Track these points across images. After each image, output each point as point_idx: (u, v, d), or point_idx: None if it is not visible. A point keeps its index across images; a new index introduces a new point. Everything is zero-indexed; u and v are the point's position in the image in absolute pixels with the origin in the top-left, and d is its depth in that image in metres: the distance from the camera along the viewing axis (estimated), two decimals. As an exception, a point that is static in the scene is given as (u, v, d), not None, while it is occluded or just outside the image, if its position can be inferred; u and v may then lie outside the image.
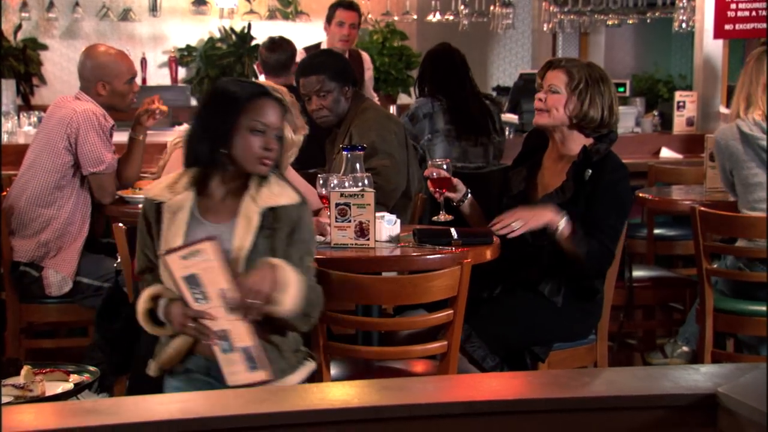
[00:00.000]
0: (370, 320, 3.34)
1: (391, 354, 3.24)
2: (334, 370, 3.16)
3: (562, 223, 3.32)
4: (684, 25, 6.78)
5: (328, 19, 6.05)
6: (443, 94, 5.28)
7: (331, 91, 4.13)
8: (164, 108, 4.41)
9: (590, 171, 3.41)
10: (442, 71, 5.33)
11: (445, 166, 3.53)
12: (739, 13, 6.18)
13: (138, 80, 4.46)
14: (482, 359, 3.26)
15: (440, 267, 3.16)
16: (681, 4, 6.76)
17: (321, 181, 3.58)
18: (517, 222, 3.30)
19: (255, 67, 8.40)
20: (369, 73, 6.38)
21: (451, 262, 3.17)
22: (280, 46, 5.39)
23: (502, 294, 3.43)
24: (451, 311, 3.05)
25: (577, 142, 3.47)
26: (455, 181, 3.54)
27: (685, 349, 4.25)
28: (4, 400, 2.94)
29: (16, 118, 5.81)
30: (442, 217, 3.56)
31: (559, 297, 3.41)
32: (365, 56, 6.40)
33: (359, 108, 4.18)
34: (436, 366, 3.24)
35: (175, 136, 3.84)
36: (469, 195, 3.59)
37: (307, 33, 8.48)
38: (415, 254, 3.23)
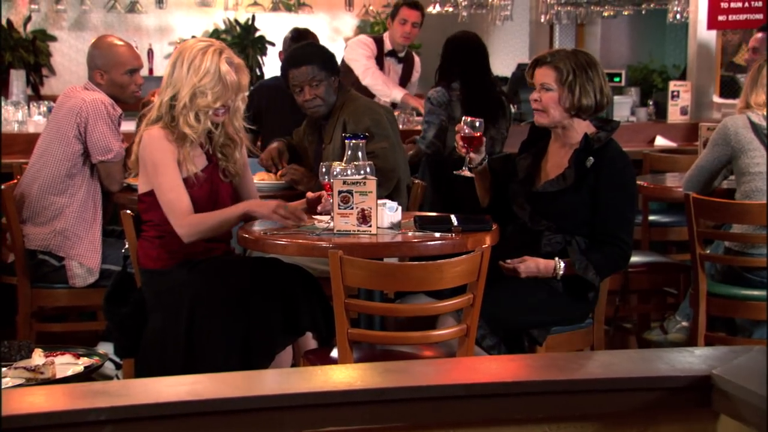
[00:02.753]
0: (397, 307, 3.35)
1: (411, 339, 3.23)
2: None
3: (560, 267, 3.39)
4: (678, 16, 6.76)
5: (392, 15, 6.15)
6: (462, 82, 5.23)
7: (322, 80, 4.11)
8: None
9: (592, 159, 3.41)
10: (461, 58, 5.30)
11: (477, 124, 3.52)
12: (732, 4, 6.17)
13: (145, 71, 4.44)
14: (481, 338, 3.26)
15: (440, 253, 3.16)
16: (675, -4, 6.74)
17: (324, 169, 3.57)
18: (522, 273, 3.39)
19: (260, 59, 8.40)
20: (417, 75, 6.45)
21: (452, 247, 3.17)
22: (304, 37, 5.38)
23: (503, 277, 3.43)
24: (471, 295, 3.05)
25: (578, 131, 3.47)
26: (483, 140, 3.55)
27: (684, 324, 4.25)
28: (17, 382, 2.95)
29: (26, 107, 5.80)
30: (465, 172, 3.57)
31: (558, 281, 3.42)
32: (417, 59, 6.46)
33: (346, 97, 4.17)
34: (440, 350, 3.24)
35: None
36: (486, 161, 3.60)
37: (310, 24, 8.46)
38: (416, 240, 3.23)
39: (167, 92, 3.46)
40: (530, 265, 3.39)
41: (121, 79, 4.26)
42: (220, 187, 3.55)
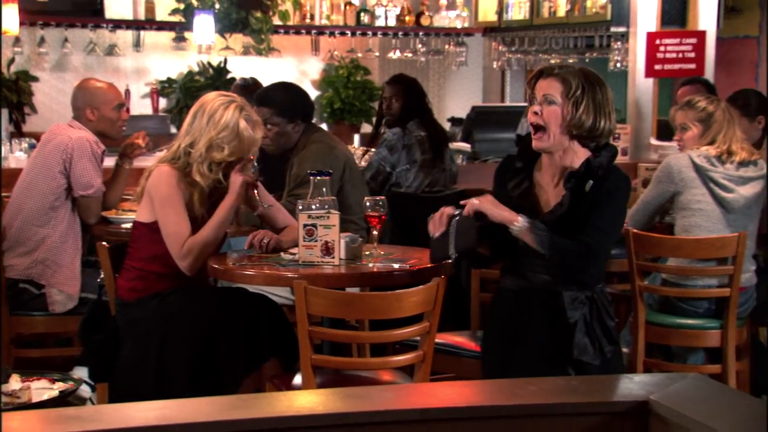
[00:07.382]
0: (359, 334, 3.33)
1: (372, 364, 3.20)
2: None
3: (523, 221, 2.92)
4: (618, 64, 6.85)
5: None
6: (420, 122, 5.24)
7: (276, 125, 4.12)
8: (149, 144, 4.43)
9: (591, 182, 2.95)
10: (417, 100, 5.33)
11: (381, 203, 3.43)
12: (668, 55, 6.28)
13: (123, 109, 4.42)
14: None
15: (399, 283, 3.16)
16: (616, 46, 6.84)
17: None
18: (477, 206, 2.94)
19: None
20: None
21: (409, 278, 3.17)
22: (252, 86, 5.36)
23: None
24: (428, 323, 3.03)
25: (579, 154, 2.98)
26: (384, 218, 3.44)
27: (625, 350, 4.28)
28: (-7, 406, 2.89)
29: (9, 144, 5.74)
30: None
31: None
32: None
33: (309, 140, 4.16)
34: (400, 375, 3.23)
35: (152, 161, 3.75)
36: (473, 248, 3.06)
37: (278, 68, 8.47)
38: (376, 271, 3.23)
39: (185, 139, 3.43)
40: (488, 202, 2.95)
41: (110, 114, 4.28)
42: None
